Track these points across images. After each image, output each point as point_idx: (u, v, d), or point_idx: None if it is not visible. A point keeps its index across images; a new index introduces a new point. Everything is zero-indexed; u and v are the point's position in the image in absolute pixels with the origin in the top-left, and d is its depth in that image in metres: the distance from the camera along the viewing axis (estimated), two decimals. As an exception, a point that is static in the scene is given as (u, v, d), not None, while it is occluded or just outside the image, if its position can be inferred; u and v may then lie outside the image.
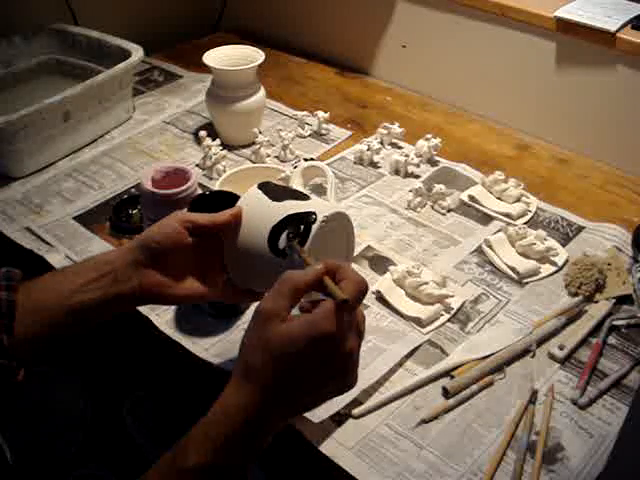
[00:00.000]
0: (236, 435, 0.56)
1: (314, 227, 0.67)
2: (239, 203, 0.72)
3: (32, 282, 0.68)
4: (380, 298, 0.89)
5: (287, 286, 0.58)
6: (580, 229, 1.03)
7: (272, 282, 0.67)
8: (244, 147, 1.20)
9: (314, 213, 0.69)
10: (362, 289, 0.58)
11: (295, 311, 0.59)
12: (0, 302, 0.63)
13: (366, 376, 0.78)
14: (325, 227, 0.68)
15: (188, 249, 0.70)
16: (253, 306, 0.88)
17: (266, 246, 0.68)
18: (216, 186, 0.98)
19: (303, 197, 0.73)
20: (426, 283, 0.88)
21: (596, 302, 0.89)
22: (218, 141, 1.14)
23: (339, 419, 0.74)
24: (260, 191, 0.73)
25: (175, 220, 0.70)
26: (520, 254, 0.96)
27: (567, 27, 1.13)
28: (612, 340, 0.84)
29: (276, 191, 0.73)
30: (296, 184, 0.95)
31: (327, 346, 0.56)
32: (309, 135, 1.25)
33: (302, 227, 0.67)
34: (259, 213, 0.70)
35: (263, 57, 1.14)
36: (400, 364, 0.81)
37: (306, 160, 1.11)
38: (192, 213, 0.73)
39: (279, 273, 0.67)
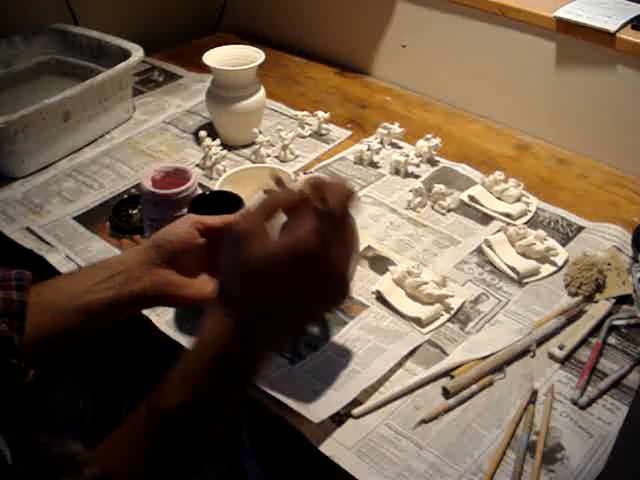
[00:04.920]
0: (218, 366, 0.52)
1: None
2: (247, 206, 0.73)
3: (43, 283, 0.68)
4: (380, 298, 0.89)
5: (259, 203, 0.55)
6: (580, 229, 1.03)
7: None
8: (244, 147, 1.20)
9: None
10: (347, 195, 0.55)
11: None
12: (11, 302, 0.64)
13: (366, 376, 0.78)
14: None
15: (199, 250, 0.70)
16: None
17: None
18: (216, 186, 0.98)
19: None
20: (426, 283, 0.88)
21: (596, 302, 0.89)
22: (218, 141, 1.14)
23: (339, 419, 0.74)
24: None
25: (186, 221, 0.71)
26: (520, 254, 0.96)
27: (567, 27, 1.13)
28: (612, 340, 0.84)
29: None
30: None
31: (311, 261, 0.53)
32: (309, 135, 1.25)
33: None
34: None
35: (263, 57, 1.14)
36: (400, 364, 0.81)
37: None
38: (203, 215, 0.73)
39: None
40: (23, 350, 0.63)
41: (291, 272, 0.53)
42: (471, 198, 1.07)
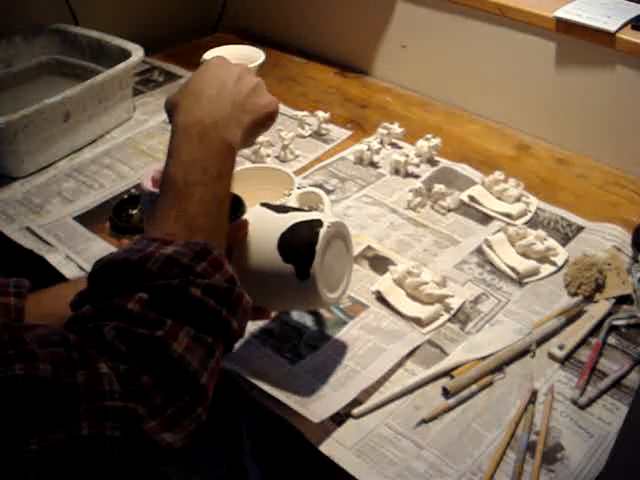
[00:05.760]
0: (184, 136, 0.64)
1: (322, 231, 0.69)
2: (244, 218, 0.73)
3: (42, 291, 0.68)
4: (380, 298, 0.89)
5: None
6: (580, 229, 1.03)
7: (283, 295, 0.69)
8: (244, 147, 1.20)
9: (320, 220, 0.71)
10: None
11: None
12: (8, 308, 0.63)
13: (366, 376, 0.78)
14: (331, 231, 0.71)
15: None
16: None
17: (276, 253, 0.70)
18: (216, 186, 0.98)
19: (305, 210, 0.77)
20: (426, 283, 0.88)
21: (596, 302, 0.89)
22: (218, 141, 1.13)
23: (339, 419, 0.74)
24: (263, 207, 0.75)
25: None
26: (520, 254, 0.96)
27: (567, 27, 1.13)
28: (612, 340, 0.84)
29: (278, 207, 0.76)
30: None
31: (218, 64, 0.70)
32: (309, 135, 1.25)
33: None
34: (266, 225, 0.72)
35: (263, 57, 1.14)
36: (400, 364, 0.81)
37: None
38: None
39: (290, 282, 0.68)
40: None
41: (208, 69, 0.69)
42: (471, 198, 1.07)
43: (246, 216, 0.74)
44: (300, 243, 0.69)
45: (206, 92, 0.66)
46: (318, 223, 0.71)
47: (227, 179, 0.64)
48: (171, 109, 0.67)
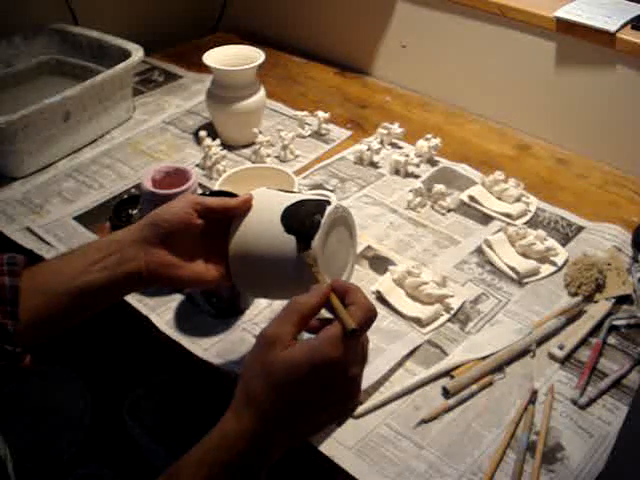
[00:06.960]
0: (233, 463, 0.55)
1: (329, 208, 0.67)
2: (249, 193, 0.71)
3: (37, 266, 0.67)
4: (380, 298, 0.89)
5: (293, 312, 0.57)
6: (580, 229, 1.03)
7: (282, 273, 0.66)
8: (244, 147, 1.20)
9: (329, 200, 0.69)
10: (371, 317, 0.57)
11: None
12: (3, 288, 0.62)
13: (366, 376, 0.78)
14: (339, 212, 0.69)
15: (197, 231, 0.68)
16: (253, 306, 0.88)
17: (279, 224, 0.67)
18: (216, 186, 0.98)
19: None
20: (426, 283, 0.88)
21: (596, 302, 0.89)
22: (218, 141, 1.14)
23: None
24: (270, 189, 0.73)
25: (185, 200, 0.69)
26: (520, 254, 0.96)
27: (567, 27, 1.13)
28: (612, 340, 0.84)
29: (285, 190, 0.74)
30: None
31: (330, 373, 0.55)
32: (309, 135, 1.25)
33: (309, 232, 0.66)
34: (271, 200, 0.70)
35: (263, 57, 1.14)
36: (400, 364, 0.81)
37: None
38: (203, 196, 0.71)
39: (290, 256, 0.65)
40: (18, 335, 0.61)
41: (308, 379, 0.55)
42: (471, 198, 1.07)
43: (253, 192, 0.71)
44: (304, 215, 0.66)
45: (292, 420, 0.56)
46: (326, 202, 0.68)
47: None
48: (247, 386, 0.56)
